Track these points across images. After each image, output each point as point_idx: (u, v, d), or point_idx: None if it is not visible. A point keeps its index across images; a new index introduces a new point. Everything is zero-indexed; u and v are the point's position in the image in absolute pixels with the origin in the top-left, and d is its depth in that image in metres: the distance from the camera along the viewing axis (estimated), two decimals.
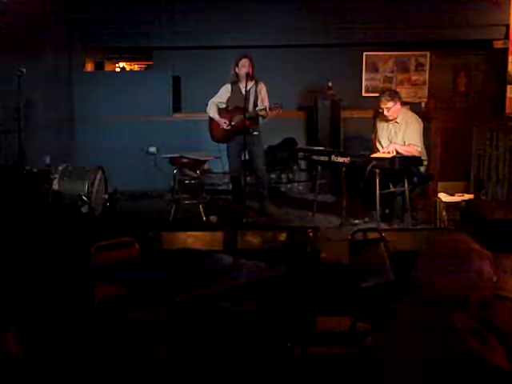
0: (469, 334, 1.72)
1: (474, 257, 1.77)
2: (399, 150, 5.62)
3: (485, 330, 1.77)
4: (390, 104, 5.68)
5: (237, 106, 5.99)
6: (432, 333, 1.75)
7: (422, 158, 5.69)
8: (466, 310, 1.75)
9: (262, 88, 6.08)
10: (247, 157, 6.07)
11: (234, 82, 6.10)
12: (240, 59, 5.96)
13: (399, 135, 5.77)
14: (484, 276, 1.76)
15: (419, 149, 5.70)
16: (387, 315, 1.94)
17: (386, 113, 5.72)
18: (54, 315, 3.86)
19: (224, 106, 6.17)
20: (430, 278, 1.78)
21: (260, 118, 6.05)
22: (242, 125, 5.89)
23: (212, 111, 6.17)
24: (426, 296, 1.80)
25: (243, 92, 5.87)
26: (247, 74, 5.82)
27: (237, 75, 6.02)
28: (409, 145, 5.70)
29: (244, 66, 5.92)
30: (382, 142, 5.88)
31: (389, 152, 5.62)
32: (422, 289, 1.81)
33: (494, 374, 1.65)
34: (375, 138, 5.99)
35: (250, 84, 5.96)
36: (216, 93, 6.24)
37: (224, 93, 6.17)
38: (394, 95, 5.79)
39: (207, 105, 6.23)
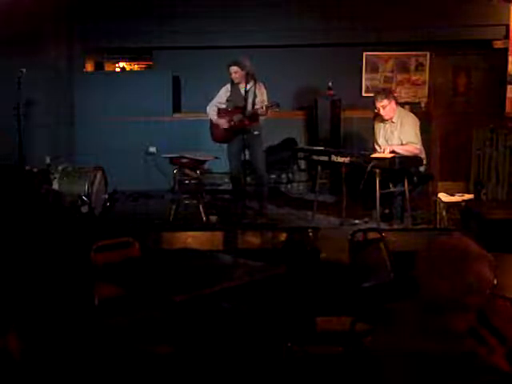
0: (468, 335, 1.72)
1: (473, 259, 1.77)
2: (397, 151, 5.62)
3: (484, 331, 1.77)
4: (385, 102, 5.70)
5: (236, 106, 6.01)
6: (431, 334, 1.75)
7: (421, 156, 5.70)
8: (465, 313, 1.75)
9: (261, 88, 6.09)
10: (247, 157, 6.08)
11: (233, 83, 6.11)
12: (228, 67, 6.02)
13: (395, 134, 5.78)
14: (483, 279, 1.75)
15: (418, 145, 5.70)
16: (387, 316, 1.94)
17: (381, 112, 5.74)
18: (54, 315, 3.86)
19: (224, 106, 6.18)
20: (429, 280, 1.78)
21: (261, 118, 6.05)
22: (241, 124, 5.90)
23: (212, 113, 6.18)
24: (425, 298, 1.80)
25: (242, 92, 5.92)
26: (235, 79, 5.89)
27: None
28: (406, 143, 5.71)
29: (231, 74, 5.98)
30: (380, 142, 5.90)
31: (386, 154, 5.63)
32: (422, 290, 1.81)
33: (494, 375, 1.65)
34: (374, 139, 6.01)
35: (249, 84, 5.98)
36: (216, 93, 6.25)
37: (223, 93, 6.19)
38: (387, 94, 5.83)
39: (208, 107, 6.23)
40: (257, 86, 6.06)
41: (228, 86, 6.16)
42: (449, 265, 1.76)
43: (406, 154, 5.61)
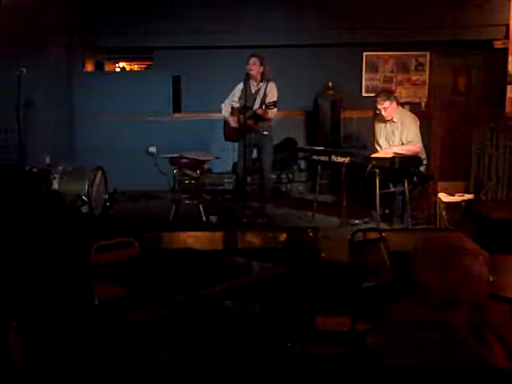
0: (467, 334, 1.72)
1: (463, 255, 1.77)
2: (398, 151, 5.62)
3: (484, 330, 1.77)
4: (387, 103, 5.71)
5: (245, 106, 5.99)
6: (430, 332, 1.75)
7: (422, 156, 5.70)
8: (458, 308, 1.75)
9: (272, 87, 6.05)
10: (254, 155, 6.11)
11: (246, 81, 6.09)
12: (249, 58, 5.99)
13: (396, 134, 5.79)
14: (473, 275, 1.75)
15: (418, 144, 5.70)
16: (385, 315, 1.95)
17: (383, 113, 5.74)
18: (54, 315, 3.86)
19: (237, 105, 6.16)
20: (421, 276, 1.79)
21: (269, 117, 6.02)
22: (245, 125, 5.89)
23: (224, 110, 6.20)
24: (419, 295, 1.81)
25: (252, 91, 5.93)
26: (247, 73, 5.85)
27: (247, 74, 6.02)
28: (408, 143, 5.71)
29: (249, 65, 5.94)
30: (381, 143, 5.90)
31: (387, 153, 5.63)
32: (417, 288, 1.82)
33: (494, 374, 1.65)
34: (374, 139, 6.01)
35: (260, 83, 5.99)
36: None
37: (236, 92, 6.17)
38: (389, 95, 5.83)
39: (222, 104, 6.25)
40: (268, 86, 6.04)
41: (241, 84, 6.12)
42: (438, 259, 1.78)
43: (407, 153, 5.61)
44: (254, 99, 5.96)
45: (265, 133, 6.02)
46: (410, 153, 5.62)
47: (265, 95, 6.01)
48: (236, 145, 6.21)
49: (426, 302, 1.79)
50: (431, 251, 1.82)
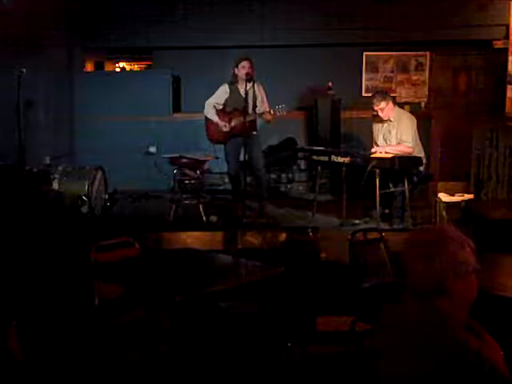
0: (464, 331, 1.73)
1: (446, 243, 1.79)
2: (391, 152, 5.63)
3: (479, 326, 1.78)
4: (383, 104, 5.72)
5: (236, 108, 5.96)
6: (427, 331, 1.75)
7: (416, 154, 5.70)
8: (447, 296, 1.76)
9: (260, 88, 6.03)
10: (246, 157, 6.06)
11: (232, 83, 6.06)
12: (240, 61, 5.92)
13: (393, 133, 5.81)
14: (460, 262, 1.76)
15: (409, 145, 5.71)
16: (383, 315, 1.96)
17: (380, 114, 5.77)
18: (55, 315, 3.86)
19: (221, 107, 6.12)
20: (410, 268, 1.82)
21: (258, 119, 5.99)
22: (241, 127, 5.85)
23: (210, 113, 6.11)
24: (409, 287, 1.83)
25: (242, 93, 5.80)
26: (247, 74, 5.80)
27: (235, 76, 5.99)
28: (398, 143, 5.72)
29: (244, 68, 5.88)
30: (379, 142, 5.93)
31: (380, 153, 5.63)
32: (408, 282, 1.84)
33: (493, 372, 1.65)
34: (373, 140, 6.04)
35: (249, 85, 5.94)
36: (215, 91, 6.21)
37: (221, 94, 6.11)
38: (384, 95, 5.84)
39: (205, 107, 6.19)
40: (256, 86, 6.00)
41: (226, 86, 6.09)
42: (425, 249, 1.80)
43: (398, 154, 5.61)
44: (246, 101, 5.91)
45: (253, 132, 5.99)
46: (401, 153, 5.63)
47: (254, 96, 5.97)
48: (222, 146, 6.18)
49: (415, 293, 1.81)
50: (418, 243, 1.85)
